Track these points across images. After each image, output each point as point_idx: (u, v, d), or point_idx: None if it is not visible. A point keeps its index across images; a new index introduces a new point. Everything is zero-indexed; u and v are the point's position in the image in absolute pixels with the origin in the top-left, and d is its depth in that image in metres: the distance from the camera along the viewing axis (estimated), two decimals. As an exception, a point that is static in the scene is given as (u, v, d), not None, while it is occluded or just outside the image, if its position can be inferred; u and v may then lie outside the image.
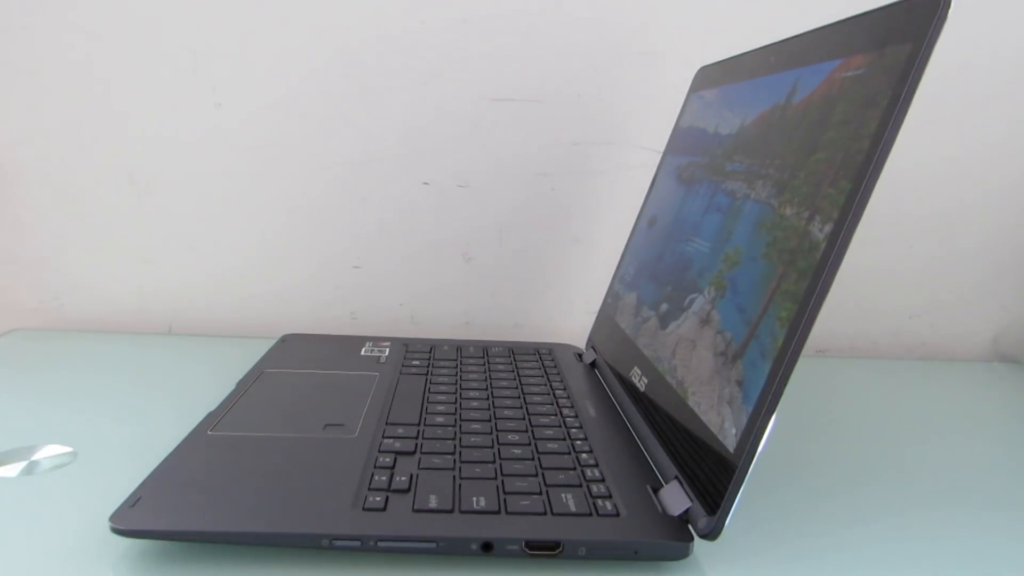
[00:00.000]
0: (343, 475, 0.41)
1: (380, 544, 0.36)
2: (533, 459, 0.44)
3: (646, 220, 0.63)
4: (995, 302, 0.79)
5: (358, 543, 0.36)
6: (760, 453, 0.34)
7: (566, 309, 0.78)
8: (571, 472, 0.42)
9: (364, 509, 0.38)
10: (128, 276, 0.75)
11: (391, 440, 0.46)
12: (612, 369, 0.58)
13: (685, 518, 0.38)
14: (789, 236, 0.37)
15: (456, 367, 0.61)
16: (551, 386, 0.57)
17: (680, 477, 0.40)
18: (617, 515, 0.38)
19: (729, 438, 0.36)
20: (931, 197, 0.75)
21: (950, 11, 0.31)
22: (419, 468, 0.42)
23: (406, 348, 0.66)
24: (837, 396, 0.66)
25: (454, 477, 0.41)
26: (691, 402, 0.42)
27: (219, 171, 0.73)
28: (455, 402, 0.53)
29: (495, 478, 0.41)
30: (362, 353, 0.65)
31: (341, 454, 0.44)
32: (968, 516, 0.45)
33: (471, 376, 0.59)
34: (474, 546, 0.36)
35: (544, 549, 0.36)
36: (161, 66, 0.70)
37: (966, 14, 0.67)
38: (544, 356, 0.65)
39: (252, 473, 0.41)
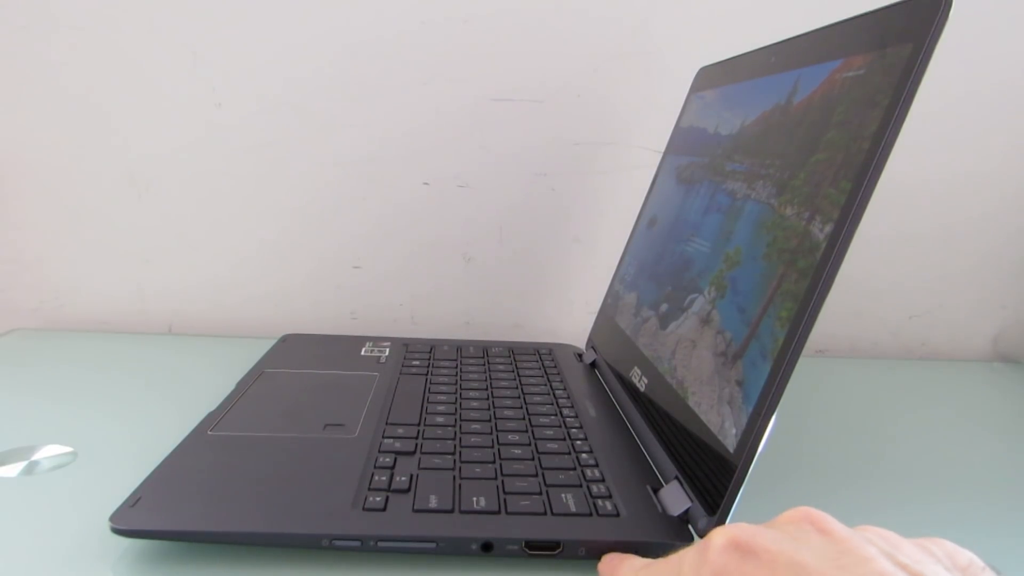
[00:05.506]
0: (343, 475, 0.41)
1: (380, 544, 0.36)
2: (533, 459, 0.44)
3: (646, 220, 0.63)
4: (995, 302, 0.79)
5: (358, 543, 0.36)
6: (760, 453, 0.34)
7: (566, 309, 0.78)
8: (571, 472, 0.42)
9: (364, 509, 0.38)
10: (128, 276, 0.75)
11: (391, 440, 0.46)
12: (612, 369, 0.58)
13: (685, 518, 0.38)
14: (789, 236, 0.37)
15: (456, 367, 0.61)
16: (551, 386, 0.57)
17: (680, 477, 0.40)
18: (617, 515, 0.38)
19: (729, 438, 0.36)
20: (931, 198, 0.75)
21: (951, 11, 0.31)
22: (419, 468, 0.42)
23: (406, 348, 0.66)
24: (837, 396, 0.66)
25: (454, 477, 0.41)
26: (691, 402, 0.42)
27: (219, 171, 0.73)
28: (455, 402, 0.53)
29: (495, 478, 0.41)
30: (362, 353, 0.65)
31: (341, 454, 0.44)
32: (968, 515, 0.45)
33: (471, 376, 0.59)
34: (474, 546, 0.36)
35: (544, 549, 0.36)
36: (161, 66, 0.70)
37: (968, 17, 0.67)
38: (544, 356, 0.65)
39: (252, 473, 0.41)
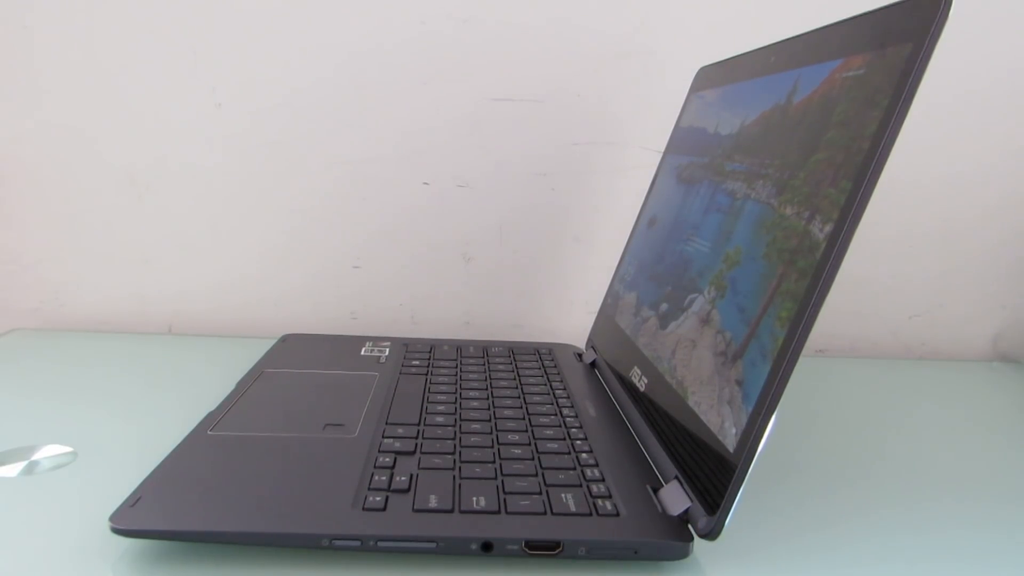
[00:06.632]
0: (343, 475, 0.41)
1: (380, 544, 0.36)
2: (533, 459, 0.44)
3: (646, 220, 0.63)
4: (995, 302, 0.79)
5: (358, 543, 0.36)
6: (760, 453, 0.34)
7: (566, 309, 0.78)
8: (571, 472, 0.42)
9: (364, 509, 0.38)
10: (128, 276, 0.75)
11: (391, 440, 0.46)
12: (612, 369, 0.58)
13: (685, 518, 0.38)
14: (789, 236, 0.37)
15: (456, 367, 0.61)
16: (551, 386, 0.57)
17: (680, 477, 0.40)
18: (617, 515, 0.38)
19: (729, 438, 0.36)
20: (931, 198, 0.75)
21: (951, 11, 0.31)
22: (419, 468, 0.42)
23: (406, 348, 0.66)
24: (837, 396, 0.66)
25: (454, 477, 0.41)
26: (691, 402, 0.42)
27: (219, 171, 0.73)
28: (455, 402, 0.53)
29: (495, 478, 0.41)
30: (362, 353, 0.65)
31: (341, 454, 0.44)
32: (968, 514, 0.45)
33: (471, 376, 0.59)
34: (474, 546, 0.36)
35: (544, 549, 0.36)
36: (161, 66, 0.70)
37: (968, 17, 0.67)
38: (544, 356, 0.65)
39: (252, 473, 0.41)
